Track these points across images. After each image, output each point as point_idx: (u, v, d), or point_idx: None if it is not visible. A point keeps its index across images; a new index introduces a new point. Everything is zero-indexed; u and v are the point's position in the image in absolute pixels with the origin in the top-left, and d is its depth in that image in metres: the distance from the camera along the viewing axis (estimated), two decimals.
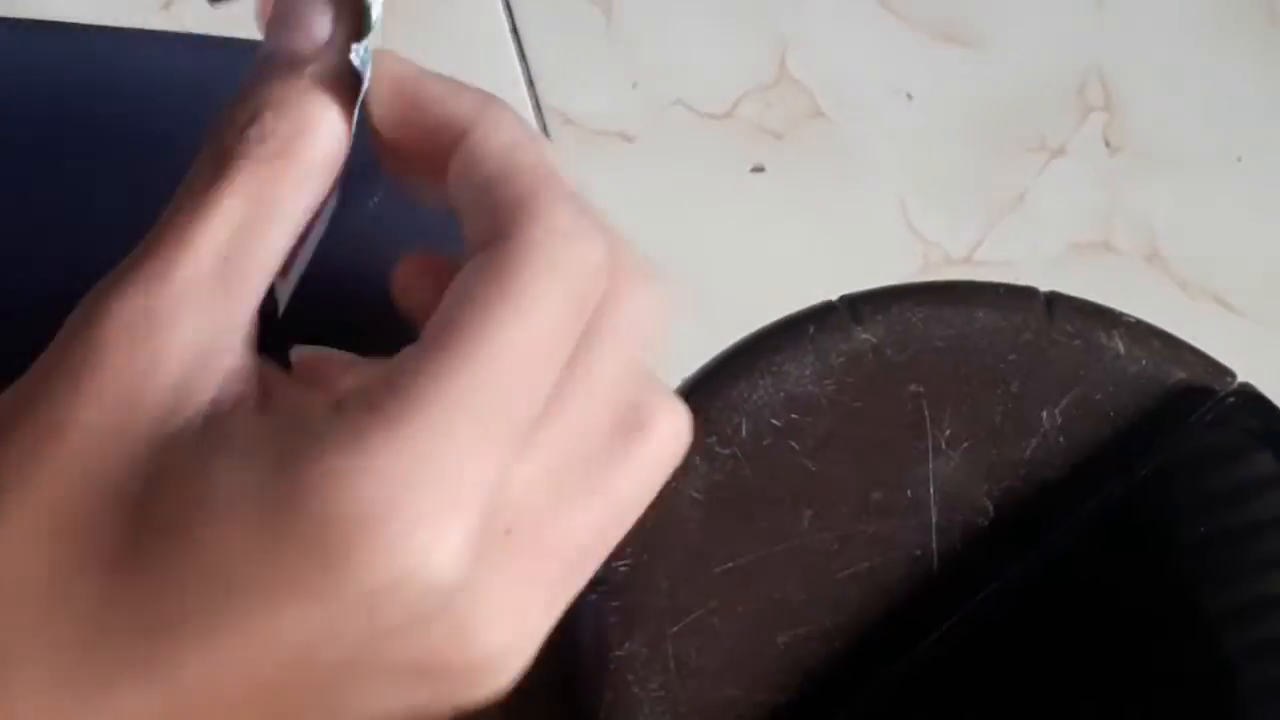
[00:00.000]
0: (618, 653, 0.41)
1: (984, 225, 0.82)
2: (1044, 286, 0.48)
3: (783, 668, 0.41)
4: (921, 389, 0.44)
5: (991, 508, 0.43)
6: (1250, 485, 0.42)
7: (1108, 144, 0.83)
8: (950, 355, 0.45)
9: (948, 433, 0.44)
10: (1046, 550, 0.41)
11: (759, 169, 0.81)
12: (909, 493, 0.43)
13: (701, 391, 0.46)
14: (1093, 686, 0.40)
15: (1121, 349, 0.45)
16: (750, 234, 0.79)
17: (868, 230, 0.81)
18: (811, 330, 0.46)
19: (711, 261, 0.77)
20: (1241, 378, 0.79)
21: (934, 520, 0.43)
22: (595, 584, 0.43)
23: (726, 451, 0.43)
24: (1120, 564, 0.42)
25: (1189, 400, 0.44)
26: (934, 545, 0.43)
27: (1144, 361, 0.45)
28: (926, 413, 0.44)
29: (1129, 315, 0.46)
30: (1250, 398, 0.45)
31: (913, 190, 0.82)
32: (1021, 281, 0.48)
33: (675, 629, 0.42)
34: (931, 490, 0.43)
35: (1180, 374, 0.45)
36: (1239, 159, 0.83)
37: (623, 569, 0.42)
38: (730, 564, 0.42)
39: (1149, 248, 0.81)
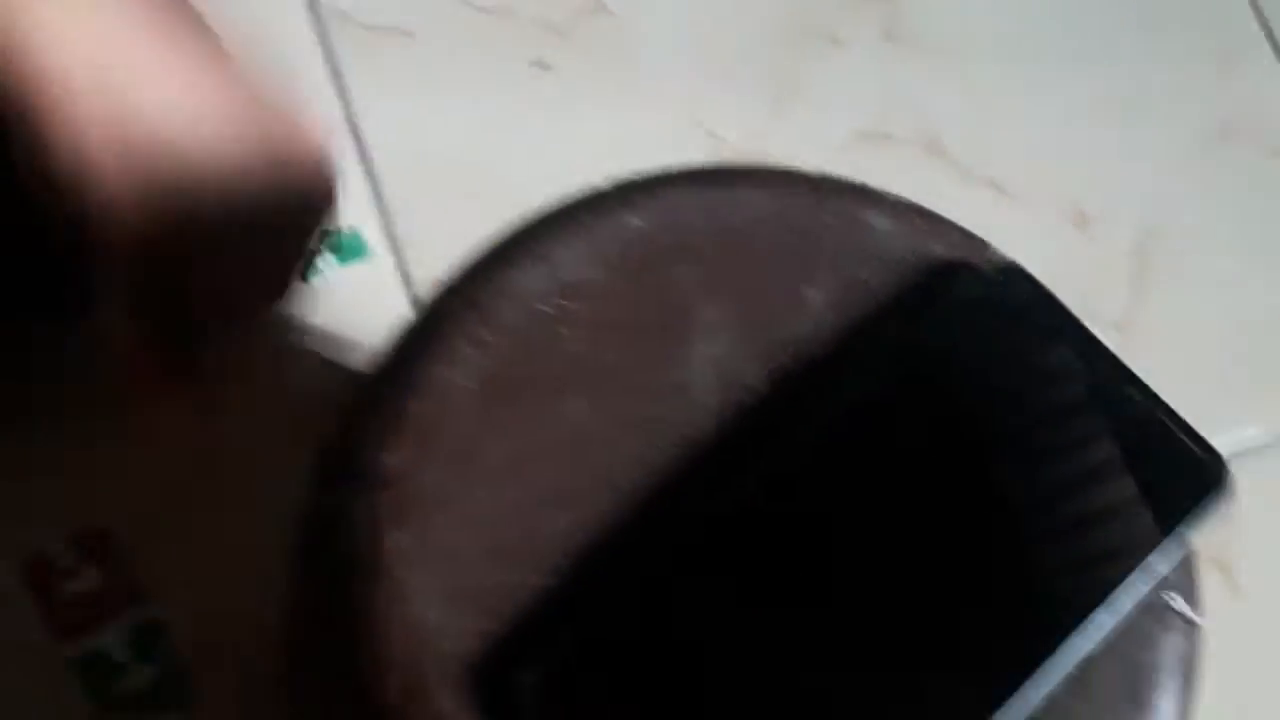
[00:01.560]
0: (387, 545, 0.41)
1: (769, 116, 0.82)
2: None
3: (556, 552, 0.41)
4: (691, 272, 0.44)
5: (763, 387, 0.43)
6: (1011, 351, 0.43)
7: (889, 35, 0.84)
8: (719, 238, 0.45)
9: (717, 315, 0.44)
10: (817, 426, 0.42)
11: (542, 64, 0.79)
12: (681, 375, 0.43)
13: (473, 280, 0.45)
14: (872, 556, 0.40)
15: (885, 228, 0.46)
16: (535, 129, 0.78)
17: (653, 124, 0.80)
18: (582, 216, 0.45)
19: (496, 157, 0.76)
20: (1029, 258, 0.81)
21: (706, 401, 0.43)
22: (362, 476, 0.42)
23: (497, 339, 0.43)
24: (892, 434, 0.42)
25: (950, 274, 0.45)
26: (706, 425, 0.43)
27: (907, 239, 0.46)
28: (696, 296, 0.44)
29: (892, 195, 0.47)
30: (1008, 270, 0.46)
31: (698, 83, 0.82)
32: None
33: (446, 518, 0.41)
34: (702, 372, 0.43)
35: (940, 249, 0.46)
36: (1011, 48, 0.85)
37: (392, 460, 0.42)
38: (502, 452, 0.42)
39: (929, 137, 0.82)
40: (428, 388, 0.42)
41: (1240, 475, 0.77)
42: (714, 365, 0.43)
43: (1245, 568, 0.73)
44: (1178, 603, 0.43)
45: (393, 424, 0.42)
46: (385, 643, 0.40)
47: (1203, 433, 0.76)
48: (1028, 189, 0.82)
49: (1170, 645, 0.42)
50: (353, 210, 0.75)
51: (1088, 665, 0.39)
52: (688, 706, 0.38)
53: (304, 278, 0.49)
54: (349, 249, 0.73)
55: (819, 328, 0.44)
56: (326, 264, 0.71)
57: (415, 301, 0.71)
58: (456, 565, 0.41)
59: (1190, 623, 0.43)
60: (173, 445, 0.64)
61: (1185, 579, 0.43)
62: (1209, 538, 0.74)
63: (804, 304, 0.44)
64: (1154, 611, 0.42)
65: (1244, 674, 0.71)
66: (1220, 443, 0.78)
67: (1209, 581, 0.74)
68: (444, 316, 0.44)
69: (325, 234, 0.75)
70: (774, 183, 0.46)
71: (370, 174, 0.78)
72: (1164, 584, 0.43)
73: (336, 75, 0.78)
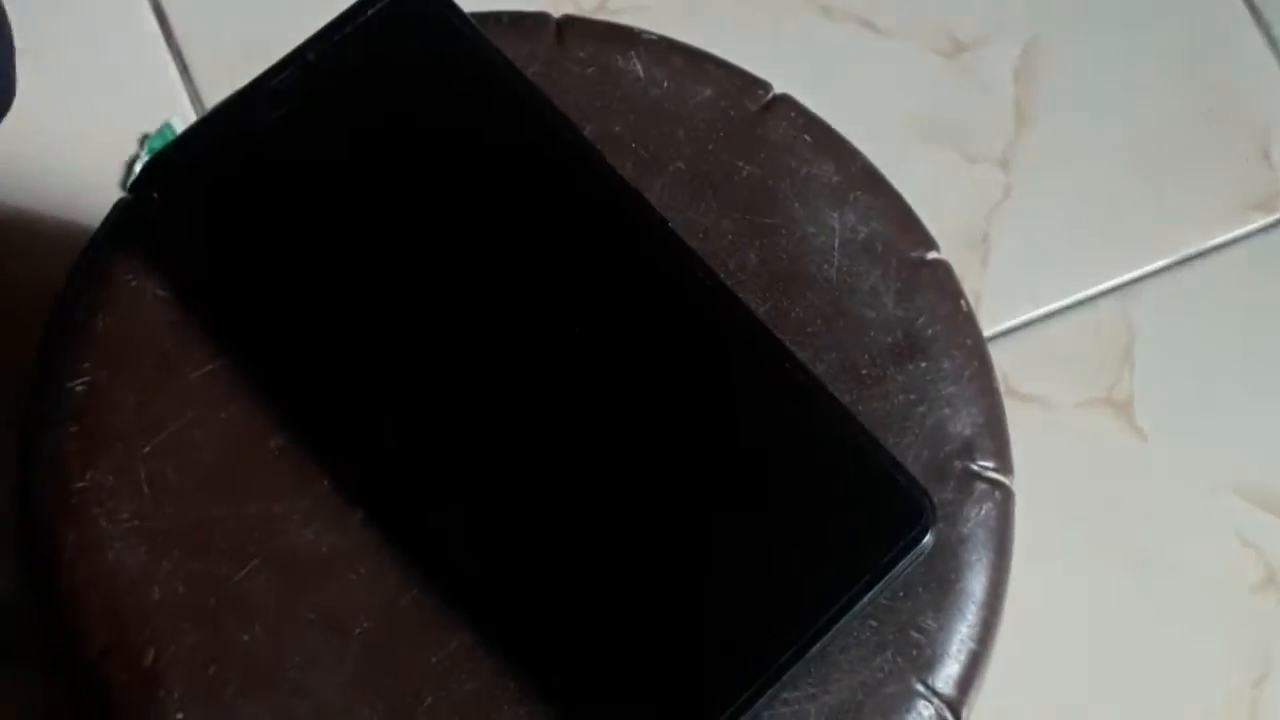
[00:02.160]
0: (79, 484, 0.36)
1: None
2: (684, 28, 0.43)
3: (277, 475, 0.36)
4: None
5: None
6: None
7: None
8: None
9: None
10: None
11: None
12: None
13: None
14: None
15: (640, 72, 0.40)
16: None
17: None
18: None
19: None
20: (899, 98, 0.75)
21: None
22: (50, 406, 0.37)
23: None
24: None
25: (715, 116, 0.40)
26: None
27: (665, 84, 0.40)
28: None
29: (649, 33, 0.41)
30: (791, 106, 0.41)
31: None
32: (661, 27, 0.42)
33: (147, 448, 0.36)
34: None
35: (706, 91, 0.40)
36: None
37: (79, 389, 0.37)
38: (209, 367, 0.37)
39: None
40: (113, 303, 0.37)
41: (1136, 306, 0.73)
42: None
43: (1145, 407, 0.68)
44: (984, 468, 0.38)
45: (80, 344, 0.37)
46: (80, 596, 0.35)
47: (1101, 265, 0.72)
48: (896, 21, 0.76)
49: (976, 517, 0.37)
50: (165, 103, 0.70)
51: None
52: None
53: (124, 186, 0.44)
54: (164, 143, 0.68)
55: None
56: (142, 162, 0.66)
57: None
58: (163, 501, 0.36)
59: (998, 485, 0.38)
60: None
61: (993, 437, 0.38)
62: (1099, 378, 0.70)
63: None
64: (957, 481, 0.37)
65: (1153, 522, 0.67)
66: (1116, 273, 0.73)
67: (1107, 426, 0.70)
68: (138, 218, 0.38)
69: (144, 137, 0.70)
70: (511, 28, 0.40)
71: (181, 63, 0.72)
72: (968, 447, 0.38)
73: None
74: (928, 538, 0.35)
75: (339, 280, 0.36)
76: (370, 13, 0.38)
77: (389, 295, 0.36)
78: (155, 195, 0.35)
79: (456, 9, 0.38)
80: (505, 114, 0.38)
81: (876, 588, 0.34)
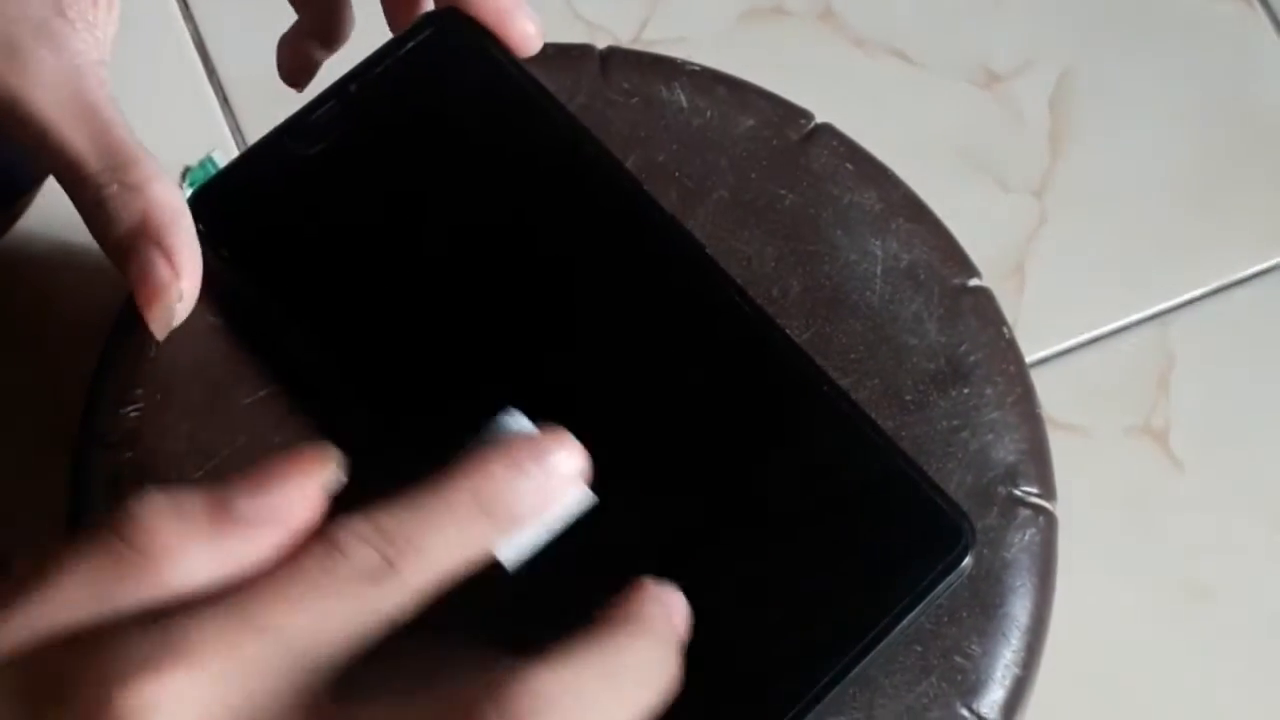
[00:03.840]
0: None
1: (649, 2, 0.76)
2: (719, 60, 0.44)
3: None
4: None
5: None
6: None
7: None
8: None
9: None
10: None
11: None
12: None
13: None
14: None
15: (684, 102, 0.41)
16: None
17: None
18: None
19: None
20: (933, 127, 0.75)
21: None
22: (100, 437, 0.38)
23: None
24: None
25: (758, 145, 0.40)
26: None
27: (709, 114, 0.41)
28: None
29: (692, 64, 0.42)
30: (833, 135, 0.41)
31: None
32: (696, 58, 0.43)
33: (200, 474, 0.37)
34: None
35: (749, 121, 0.41)
36: None
37: (133, 414, 0.37)
38: (260, 394, 0.38)
39: (821, 6, 0.77)
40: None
41: (1173, 335, 0.73)
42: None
43: (1182, 437, 0.68)
44: (1027, 493, 0.38)
45: (133, 371, 0.38)
46: None
47: (1137, 293, 0.72)
48: (931, 53, 0.76)
49: (1020, 542, 0.37)
50: (207, 136, 0.71)
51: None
52: None
53: None
54: (205, 177, 0.69)
55: None
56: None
57: None
58: None
59: (1042, 511, 0.38)
60: None
61: (1036, 463, 0.38)
62: (1136, 407, 0.70)
63: None
64: (1001, 506, 0.38)
65: (1193, 552, 0.66)
66: (1152, 303, 0.73)
67: (1144, 453, 0.70)
68: None
69: (186, 170, 0.71)
70: (557, 60, 0.41)
71: (222, 95, 0.73)
72: (1011, 473, 0.38)
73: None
74: (967, 560, 0.35)
75: (385, 310, 0.37)
76: (411, 45, 0.39)
77: (435, 328, 0.37)
78: (201, 228, 0.36)
79: (496, 40, 0.38)
80: (545, 143, 0.38)
81: (915, 610, 0.34)
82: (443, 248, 0.37)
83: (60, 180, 0.34)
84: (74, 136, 0.33)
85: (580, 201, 0.38)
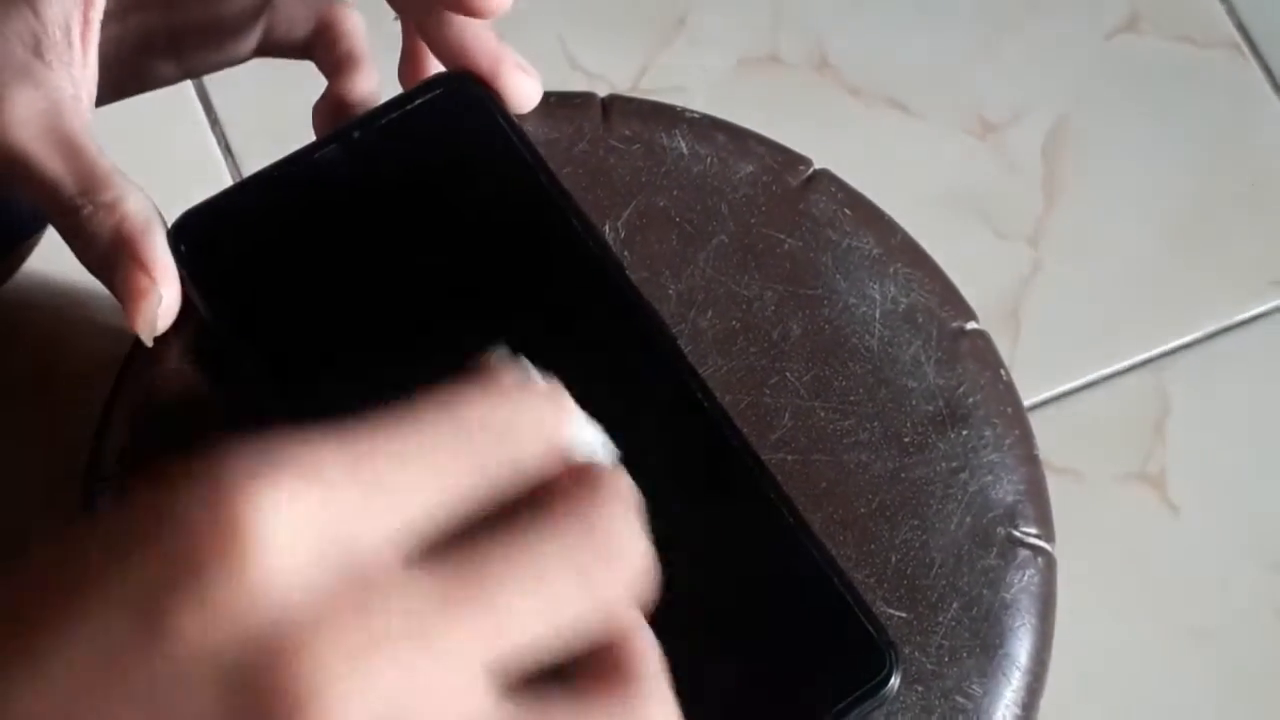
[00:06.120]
0: None
1: (648, 52, 0.77)
2: (716, 109, 0.44)
3: None
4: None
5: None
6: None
7: None
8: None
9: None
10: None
11: None
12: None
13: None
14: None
15: (685, 149, 0.41)
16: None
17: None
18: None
19: None
20: (929, 175, 0.76)
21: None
22: (109, 477, 0.38)
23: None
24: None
25: (757, 191, 0.41)
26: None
27: (709, 160, 0.41)
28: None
29: (692, 111, 0.42)
30: (831, 181, 0.42)
31: (571, 25, 0.77)
32: (694, 105, 0.43)
33: None
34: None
35: (748, 167, 0.41)
36: None
37: (128, 451, 0.38)
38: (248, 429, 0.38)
39: (817, 57, 0.78)
40: (155, 368, 0.38)
41: (1168, 382, 0.73)
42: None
43: (1178, 482, 0.69)
44: (1026, 534, 0.38)
45: (138, 414, 0.38)
46: None
47: (1130, 339, 0.72)
48: (926, 102, 0.77)
49: (1020, 583, 0.38)
50: (208, 183, 0.71)
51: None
52: None
53: None
54: None
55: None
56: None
57: None
58: None
59: (1041, 552, 0.38)
60: None
61: (1035, 504, 0.39)
62: (1132, 452, 0.70)
63: None
64: (1000, 547, 0.38)
65: (1189, 598, 0.67)
66: (1146, 348, 0.74)
67: (1141, 500, 0.70)
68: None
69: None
70: (558, 109, 0.42)
71: (224, 144, 0.73)
72: (1010, 514, 0.38)
73: None
74: (892, 682, 0.34)
75: (348, 357, 0.37)
76: (419, 101, 0.39)
77: (392, 380, 0.37)
78: (182, 248, 0.36)
79: (499, 102, 0.39)
80: (527, 215, 0.38)
81: None
82: (412, 301, 0.37)
83: (44, 210, 0.35)
84: (51, 165, 0.35)
85: (552, 274, 0.38)
